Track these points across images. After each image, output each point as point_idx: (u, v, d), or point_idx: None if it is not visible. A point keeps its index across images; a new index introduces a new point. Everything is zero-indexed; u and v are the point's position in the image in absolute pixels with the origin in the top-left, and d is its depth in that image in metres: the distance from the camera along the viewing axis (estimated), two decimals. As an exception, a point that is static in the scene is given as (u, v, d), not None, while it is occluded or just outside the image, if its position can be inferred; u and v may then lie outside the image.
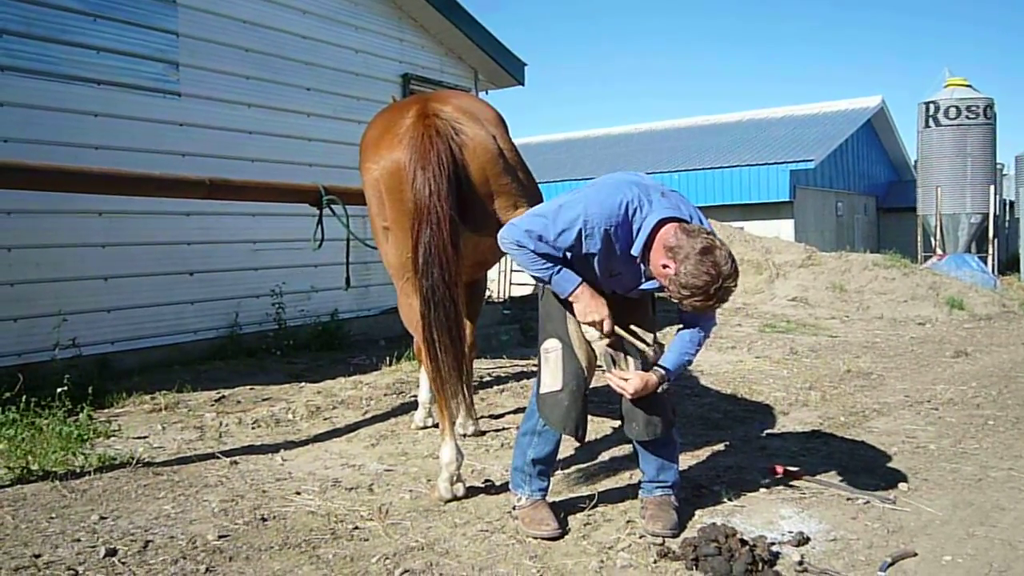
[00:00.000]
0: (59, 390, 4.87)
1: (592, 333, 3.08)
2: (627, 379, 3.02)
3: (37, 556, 2.83)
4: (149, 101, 6.43)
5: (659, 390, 3.07)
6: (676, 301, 2.79)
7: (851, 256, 13.38)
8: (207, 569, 2.76)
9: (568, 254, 2.95)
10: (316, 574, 2.76)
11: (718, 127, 27.80)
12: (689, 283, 2.68)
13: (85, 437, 4.49)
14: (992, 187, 20.77)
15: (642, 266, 2.92)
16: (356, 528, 3.18)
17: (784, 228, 21.31)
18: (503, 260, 10.46)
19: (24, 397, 4.72)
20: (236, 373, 6.41)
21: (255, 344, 7.08)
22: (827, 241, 23.22)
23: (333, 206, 5.43)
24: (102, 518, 3.24)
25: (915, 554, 2.95)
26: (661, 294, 3.01)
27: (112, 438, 4.58)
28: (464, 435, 4.54)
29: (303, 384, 6.08)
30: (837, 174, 24.14)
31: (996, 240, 21.01)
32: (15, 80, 5.64)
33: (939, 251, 20.51)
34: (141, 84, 6.38)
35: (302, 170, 7.66)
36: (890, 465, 4.04)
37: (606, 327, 2.97)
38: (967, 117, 20.76)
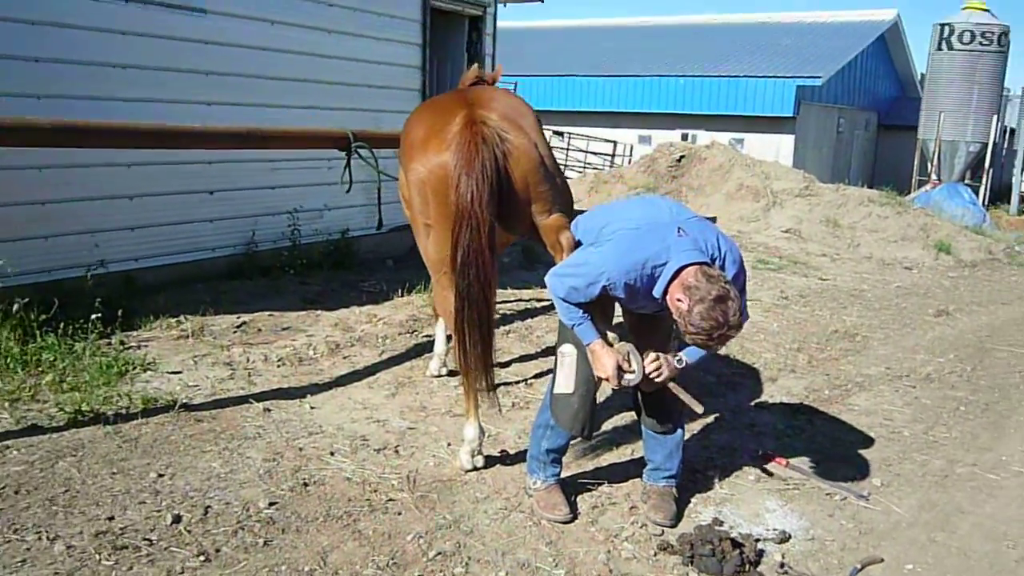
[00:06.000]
0: (93, 316, 5.16)
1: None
2: (658, 365, 3.28)
3: (111, 519, 3.19)
4: (176, 19, 6.40)
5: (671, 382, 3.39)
6: (681, 333, 3.08)
7: (848, 190, 13.56)
8: (264, 542, 3.13)
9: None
10: (360, 551, 3.14)
11: (724, 28, 27.28)
12: (696, 323, 2.94)
13: (124, 371, 4.81)
14: (995, 116, 20.77)
15: (664, 300, 3.19)
16: (390, 500, 3.55)
17: (784, 143, 21.36)
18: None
19: (57, 319, 5.00)
20: (254, 295, 6.68)
21: (270, 262, 7.32)
22: (824, 159, 23.32)
23: (361, 151, 5.59)
24: (160, 475, 3.59)
25: (881, 560, 3.37)
26: None
27: (148, 372, 4.88)
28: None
29: (319, 312, 6.37)
30: (843, 90, 23.95)
31: (991, 170, 21.20)
32: (51, 2, 5.63)
33: (934, 178, 20.71)
34: (168, 1, 6.33)
35: (319, 88, 7.72)
36: (867, 454, 4.44)
37: (612, 384, 3.27)
38: (980, 43, 20.53)
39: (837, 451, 4.46)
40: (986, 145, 20.78)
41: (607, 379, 3.27)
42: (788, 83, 20.84)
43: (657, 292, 3.10)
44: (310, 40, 7.56)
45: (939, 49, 21.02)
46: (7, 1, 5.44)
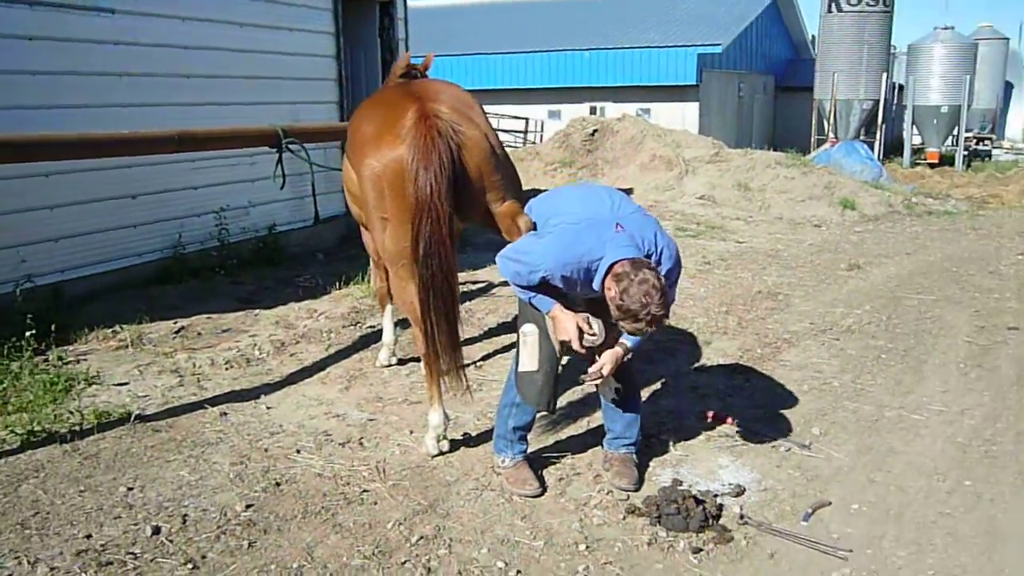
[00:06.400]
0: (27, 333, 5.03)
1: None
2: (604, 363, 3.49)
3: (88, 537, 3.18)
4: (85, 21, 6.20)
5: (626, 359, 3.58)
6: (614, 322, 3.26)
7: (755, 154, 14.08)
8: (249, 544, 3.18)
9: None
10: (344, 543, 3.22)
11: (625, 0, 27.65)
12: (624, 307, 3.13)
13: (69, 386, 4.72)
14: (884, 74, 21.79)
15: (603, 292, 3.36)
16: (364, 491, 3.63)
17: (689, 111, 21.93)
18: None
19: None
20: (187, 298, 6.58)
21: (199, 263, 7.20)
22: (728, 124, 24.02)
23: (291, 146, 5.58)
24: (129, 489, 3.57)
25: (830, 503, 3.64)
26: None
27: (94, 386, 4.80)
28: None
29: (257, 311, 6.34)
30: (741, 55, 24.68)
31: (884, 126, 22.26)
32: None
33: (832, 136, 21.61)
34: (75, 3, 6.12)
35: (236, 83, 7.60)
36: (803, 406, 4.74)
37: (575, 345, 3.42)
38: (868, 4, 21.44)
39: (776, 405, 4.74)
40: (878, 102, 21.79)
41: (569, 341, 3.41)
42: (690, 52, 21.39)
43: (596, 285, 3.27)
44: (223, 35, 7.42)
45: (829, 11, 21.87)
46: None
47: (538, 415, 3.84)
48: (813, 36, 27.31)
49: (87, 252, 6.42)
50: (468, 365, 5.30)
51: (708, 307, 6.91)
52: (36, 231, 6.00)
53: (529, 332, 3.61)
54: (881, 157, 21.05)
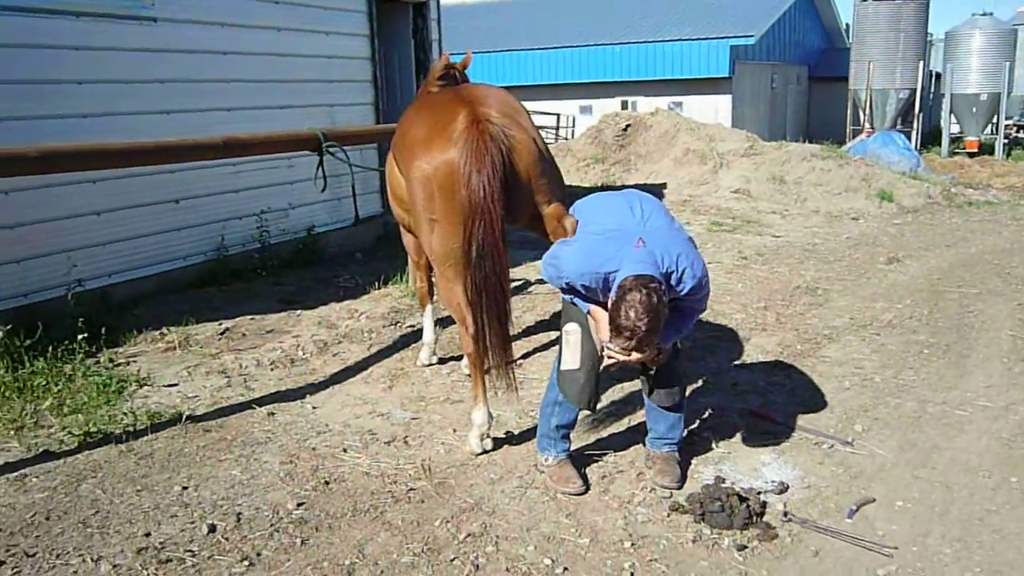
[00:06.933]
0: (79, 336, 5.17)
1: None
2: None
3: (147, 535, 3.29)
4: (127, 30, 6.35)
5: (661, 358, 3.60)
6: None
7: (790, 146, 13.96)
8: (302, 542, 3.26)
9: None
10: (393, 541, 3.29)
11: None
12: (614, 319, 3.17)
13: (121, 388, 4.85)
14: (921, 62, 21.46)
15: None
16: (411, 489, 3.70)
17: (722, 104, 21.78)
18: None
19: (40, 342, 5.02)
20: (230, 300, 6.71)
21: (241, 265, 7.34)
22: (762, 116, 23.82)
23: (332, 149, 5.69)
24: (184, 488, 3.68)
25: (874, 500, 3.64)
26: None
27: (145, 387, 4.93)
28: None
29: (299, 312, 6.45)
30: (774, 46, 24.45)
31: (921, 115, 21.93)
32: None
33: (868, 126, 21.34)
34: (117, 13, 6.27)
35: (274, 87, 7.72)
36: (845, 402, 4.73)
37: (610, 361, 3.43)
38: (902, -9, 21.14)
39: (817, 402, 4.74)
40: (915, 91, 21.48)
41: (610, 354, 3.45)
42: (722, 44, 21.23)
43: (612, 296, 3.30)
44: (262, 40, 7.54)
45: (863, 0, 21.60)
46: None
47: (581, 414, 3.88)
48: (847, 25, 26.96)
49: (133, 256, 6.57)
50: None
51: (746, 303, 6.89)
52: (85, 236, 6.16)
53: (572, 330, 3.65)
54: (919, 147, 20.75)
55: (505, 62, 23.64)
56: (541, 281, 6.92)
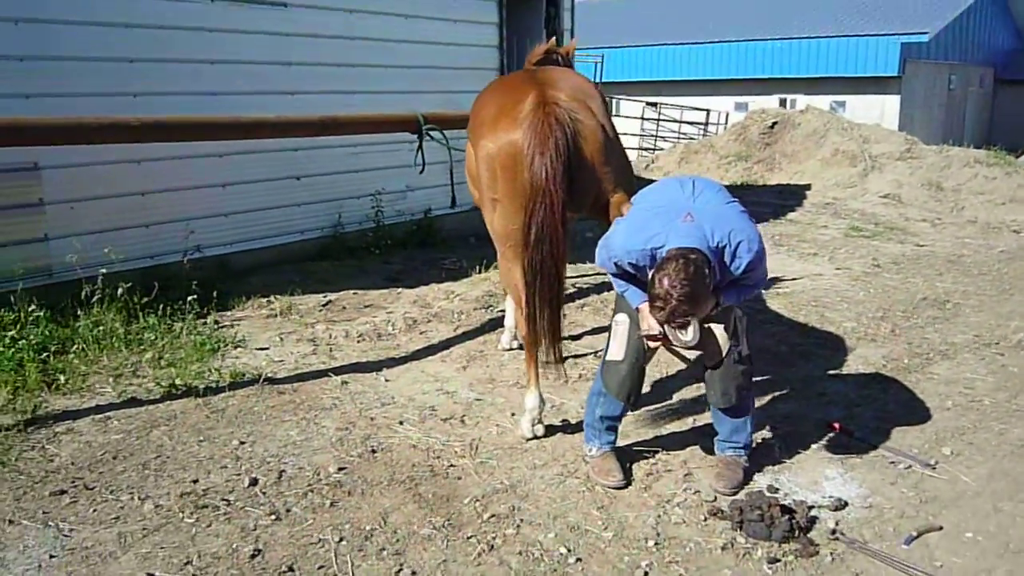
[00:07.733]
0: (190, 298, 5.54)
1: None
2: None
3: (195, 482, 3.49)
4: (260, 14, 6.74)
5: (728, 357, 3.44)
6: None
7: (952, 151, 12.93)
8: (331, 503, 3.36)
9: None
10: (418, 513, 3.33)
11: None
12: (651, 289, 3.08)
13: (216, 348, 5.17)
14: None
15: None
16: (451, 466, 3.73)
17: (889, 104, 20.47)
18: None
19: (157, 301, 5.41)
20: (340, 274, 7.00)
21: (356, 243, 7.64)
22: (934, 119, 22.20)
23: (432, 132, 5.79)
24: (241, 443, 3.88)
25: (940, 528, 3.33)
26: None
27: (239, 348, 5.23)
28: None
29: (400, 290, 6.63)
30: (953, 44, 22.69)
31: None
32: (143, 5, 6.03)
33: (1056, 134, 19.45)
34: (250, -2, 6.68)
35: (399, 72, 7.95)
36: (940, 423, 4.34)
37: (654, 344, 3.37)
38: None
39: (907, 419, 4.38)
40: (1116, 96, 19.34)
41: (652, 338, 3.34)
42: (892, 41, 19.93)
43: None
44: (387, 27, 7.78)
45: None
46: (111, 10, 5.87)
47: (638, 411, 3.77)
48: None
49: (253, 227, 6.98)
50: (589, 354, 5.36)
51: (862, 311, 6.46)
52: (208, 206, 6.60)
53: (620, 322, 3.57)
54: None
55: (656, 56, 23.24)
56: (597, 274, 6.77)
